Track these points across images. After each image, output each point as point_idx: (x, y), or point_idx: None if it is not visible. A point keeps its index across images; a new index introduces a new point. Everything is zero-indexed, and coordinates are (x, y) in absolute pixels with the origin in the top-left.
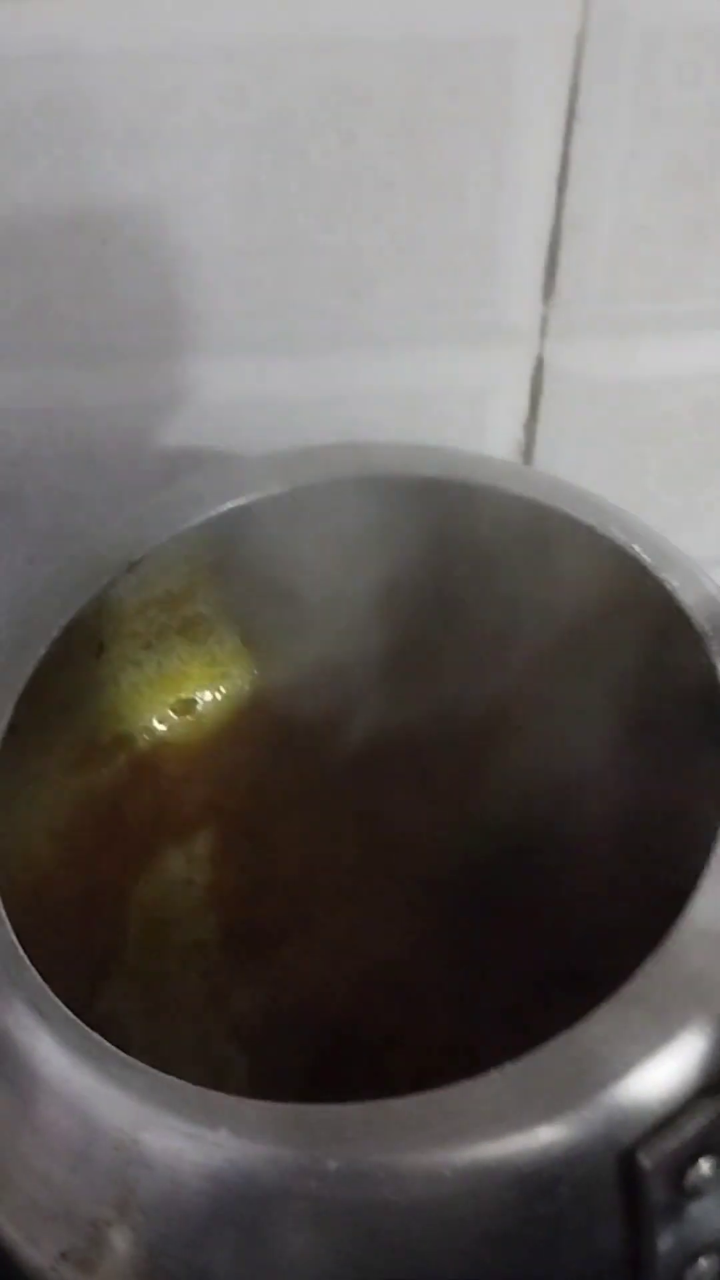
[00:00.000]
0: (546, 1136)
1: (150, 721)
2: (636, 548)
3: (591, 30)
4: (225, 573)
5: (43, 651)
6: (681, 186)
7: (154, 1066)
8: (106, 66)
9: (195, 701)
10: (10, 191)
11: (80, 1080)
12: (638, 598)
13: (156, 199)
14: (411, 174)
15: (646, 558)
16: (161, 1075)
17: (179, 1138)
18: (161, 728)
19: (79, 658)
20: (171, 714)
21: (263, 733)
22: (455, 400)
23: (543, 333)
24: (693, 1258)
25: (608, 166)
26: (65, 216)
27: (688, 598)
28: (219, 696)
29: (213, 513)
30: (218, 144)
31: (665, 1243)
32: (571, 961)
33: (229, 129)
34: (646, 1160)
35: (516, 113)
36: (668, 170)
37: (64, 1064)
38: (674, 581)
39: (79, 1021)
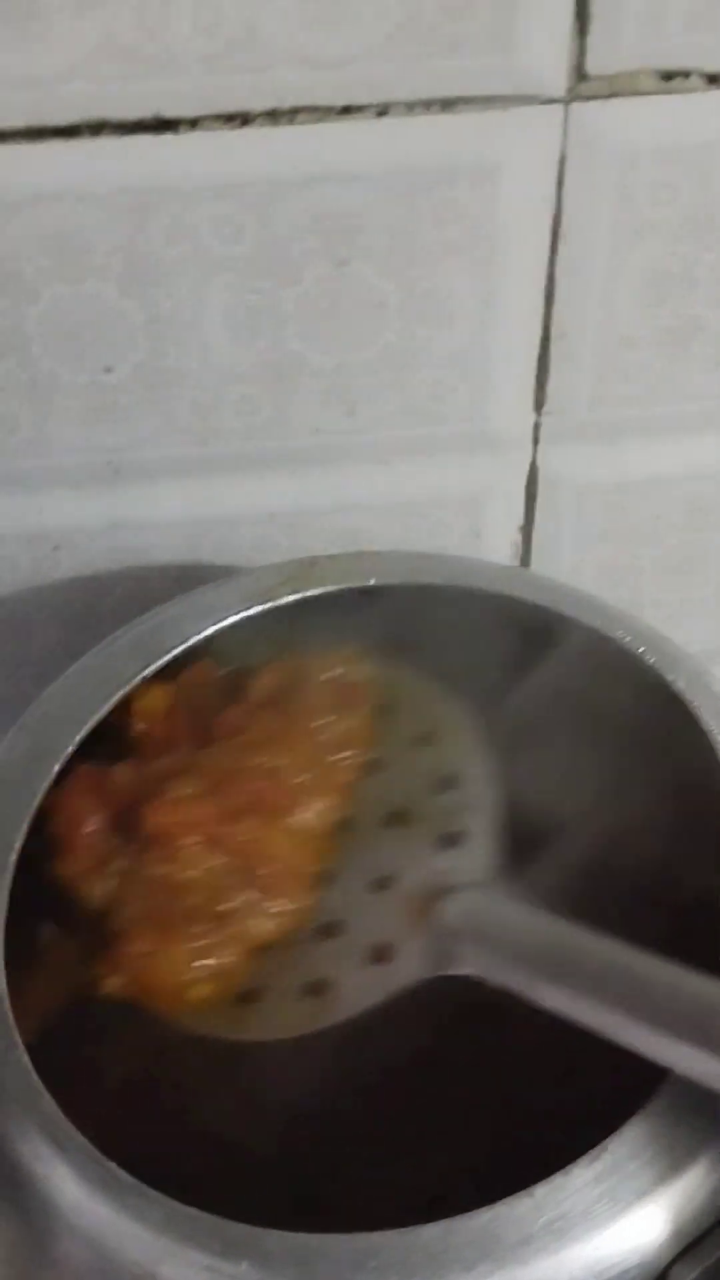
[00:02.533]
0: (578, 1260)
1: None
2: (642, 650)
3: (571, 152)
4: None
5: (56, 769)
6: (660, 298)
7: None
8: (106, 204)
9: None
10: (16, 323)
11: (97, 1212)
12: (644, 700)
13: (156, 327)
14: (402, 295)
15: (652, 659)
16: (180, 1206)
17: (199, 1271)
18: None
19: None
20: None
21: None
22: (452, 508)
23: (535, 440)
24: None
25: (591, 281)
26: (69, 346)
27: (695, 699)
28: None
29: (222, 623)
30: (214, 274)
31: None
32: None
33: (225, 259)
34: None
35: (502, 234)
36: (647, 283)
37: (80, 1196)
38: (680, 683)
39: (97, 1151)
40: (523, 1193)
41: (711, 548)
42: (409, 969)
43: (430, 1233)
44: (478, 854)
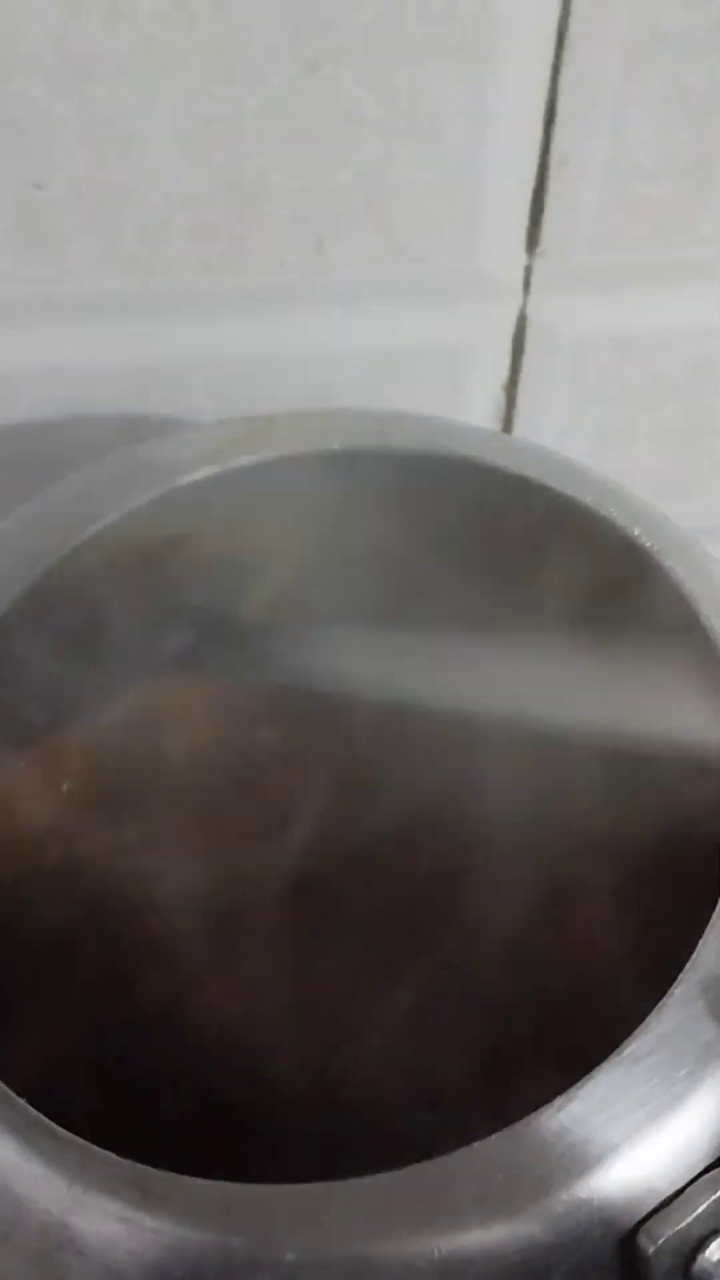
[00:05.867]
0: (537, 1220)
1: None
2: (637, 531)
3: None
4: (179, 555)
5: None
6: (681, 120)
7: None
8: None
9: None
10: None
11: (1, 1153)
12: (638, 586)
13: (95, 135)
14: (382, 106)
15: (648, 541)
16: (95, 1149)
17: (113, 1222)
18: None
19: None
20: None
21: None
22: (429, 361)
23: (526, 286)
24: None
25: (601, 97)
26: None
27: (694, 588)
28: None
29: (166, 488)
30: (163, 71)
31: None
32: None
33: (175, 53)
34: (649, 1245)
35: (500, 37)
36: (667, 101)
37: None
38: (679, 570)
39: (1, 1084)
40: (479, 1143)
41: (715, 414)
42: None
43: (373, 1186)
44: None
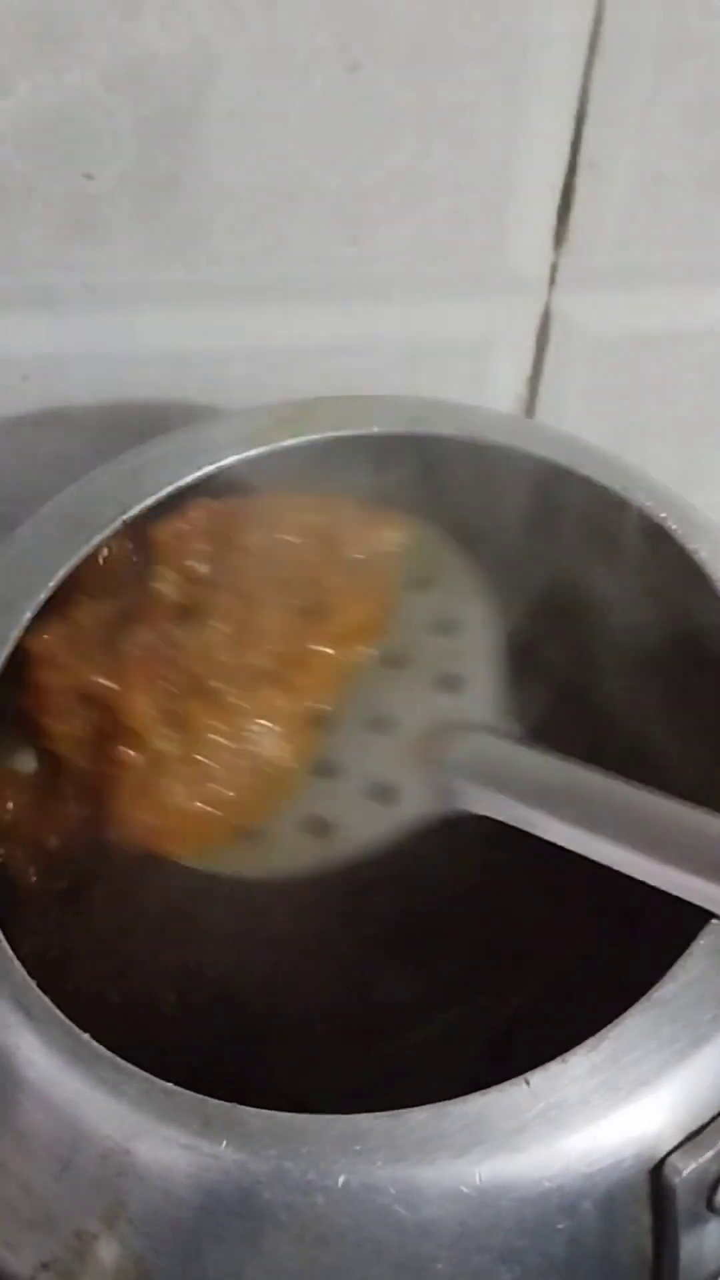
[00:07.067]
0: (572, 1150)
1: None
2: (664, 515)
3: None
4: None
5: (28, 617)
6: (703, 127)
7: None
8: None
9: None
10: None
11: (67, 1084)
12: (664, 570)
13: (146, 130)
14: (420, 108)
15: (674, 526)
16: (156, 1081)
17: (174, 1149)
18: None
19: None
20: None
21: None
22: (456, 353)
23: (551, 282)
24: (716, 1278)
25: (629, 103)
26: (45, 147)
27: (718, 571)
28: None
29: (208, 468)
30: (213, 69)
31: (689, 1260)
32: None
33: (225, 53)
34: (674, 1176)
35: (535, 44)
36: (692, 108)
37: (50, 1067)
38: (703, 553)
39: (69, 1021)
40: (518, 1079)
41: None
42: (413, 806)
43: (420, 1116)
44: (478, 698)
